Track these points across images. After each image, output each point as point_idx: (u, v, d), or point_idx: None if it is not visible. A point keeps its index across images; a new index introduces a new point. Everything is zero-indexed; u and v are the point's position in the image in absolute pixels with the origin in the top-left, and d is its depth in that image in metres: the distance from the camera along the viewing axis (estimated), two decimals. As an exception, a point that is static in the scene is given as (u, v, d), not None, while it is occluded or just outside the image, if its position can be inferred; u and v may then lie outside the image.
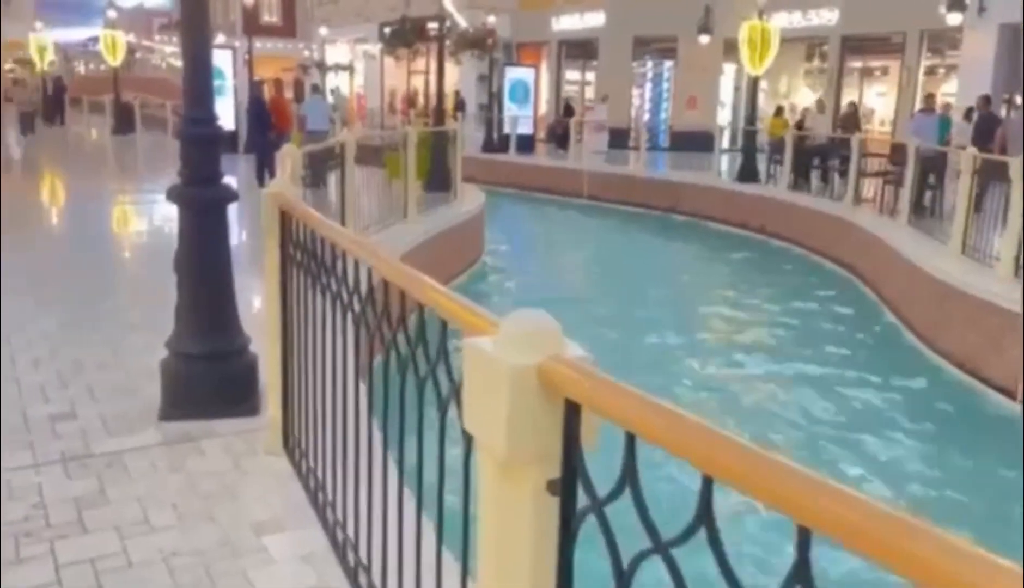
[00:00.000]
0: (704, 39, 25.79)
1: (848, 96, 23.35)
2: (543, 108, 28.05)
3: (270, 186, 3.28)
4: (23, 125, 23.01)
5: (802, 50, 26.68)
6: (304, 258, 2.97)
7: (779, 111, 18.51)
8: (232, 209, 3.85)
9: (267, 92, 15.46)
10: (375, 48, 37.47)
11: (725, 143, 26.13)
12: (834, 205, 13.88)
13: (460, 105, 26.22)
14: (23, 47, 40.08)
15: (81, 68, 51.95)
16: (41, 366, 4.37)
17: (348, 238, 2.55)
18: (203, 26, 3.70)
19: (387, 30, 35.65)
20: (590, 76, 30.32)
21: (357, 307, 2.35)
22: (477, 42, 24.29)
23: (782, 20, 25.96)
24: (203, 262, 3.72)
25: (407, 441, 1.94)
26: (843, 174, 14.33)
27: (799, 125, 16.21)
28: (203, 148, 3.69)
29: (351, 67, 36.59)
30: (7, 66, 41.46)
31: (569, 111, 24.84)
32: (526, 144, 23.59)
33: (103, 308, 5.59)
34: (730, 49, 26.94)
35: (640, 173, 19.15)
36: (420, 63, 36.41)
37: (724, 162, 21.42)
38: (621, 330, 9.53)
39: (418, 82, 36.64)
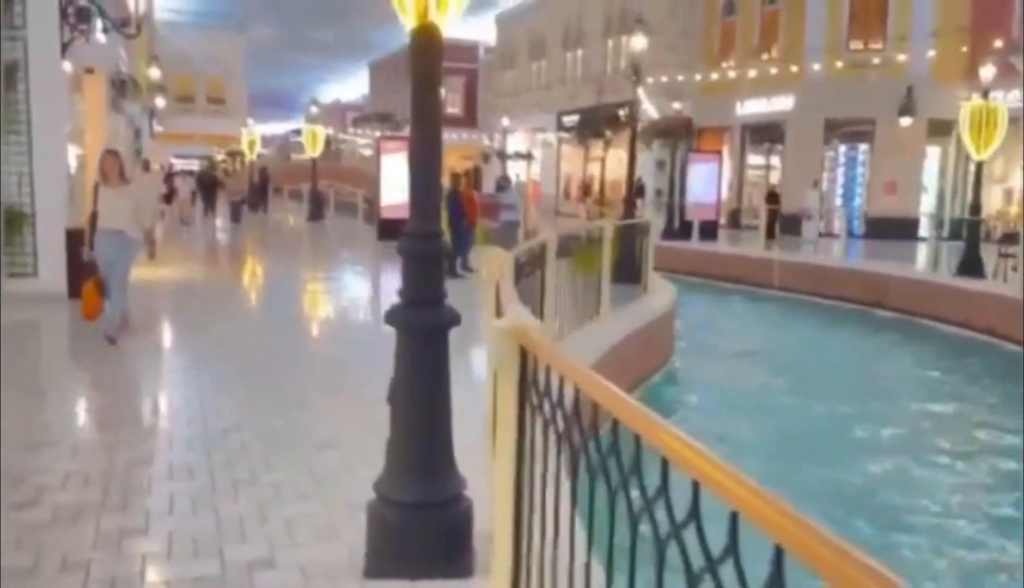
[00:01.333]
0: (906, 121, 24.10)
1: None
2: (724, 193, 27.11)
3: (507, 317, 2.75)
4: (232, 213, 24.48)
5: (1019, 130, 24.24)
6: (549, 408, 2.42)
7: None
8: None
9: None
10: (552, 136, 38.20)
11: (925, 231, 24.19)
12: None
13: (639, 191, 25.76)
14: (236, 141, 44.20)
15: (289, 158, 56.57)
16: (241, 492, 4.04)
17: (623, 404, 1.94)
18: (435, 137, 3.32)
19: (566, 119, 36.24)
20: (774, 160, 29.10)
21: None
22: (670, 131, 23.81)
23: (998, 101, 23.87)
24: (422, 395, 3.25)
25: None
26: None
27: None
28: (428, 266, 3.26)
29: (530, 155, 37.30)
30: (220, 157, 45.84)
31: (773, 198, 23.40)
32: (709, 231, 22.70)
33: (301, 417, 5.31)
34: (935, 130, 25.10)
35: (839, 263, 17.70)
36: (596, 150, 36.70)
37: (925, 252, 19.62)
38: (832, 454, 8.41)
39: (594, 169, 36.85)
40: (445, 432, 3.30)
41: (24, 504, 3.81)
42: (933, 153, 25.70)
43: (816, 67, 25.30)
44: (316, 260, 16.94)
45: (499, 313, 4.11)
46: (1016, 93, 23.15)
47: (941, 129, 25.13)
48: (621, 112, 23.37)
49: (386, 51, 65.46)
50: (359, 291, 12.58)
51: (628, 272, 12.73)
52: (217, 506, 3.85)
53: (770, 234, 20.42)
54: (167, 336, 8.33)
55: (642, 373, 9.98)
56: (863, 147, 25.87)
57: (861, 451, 8.68)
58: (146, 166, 19.67)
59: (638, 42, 12.61)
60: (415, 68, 3.30)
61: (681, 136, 23.83)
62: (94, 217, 7.32)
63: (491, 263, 5.14)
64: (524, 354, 2.64)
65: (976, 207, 15.33)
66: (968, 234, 15.38)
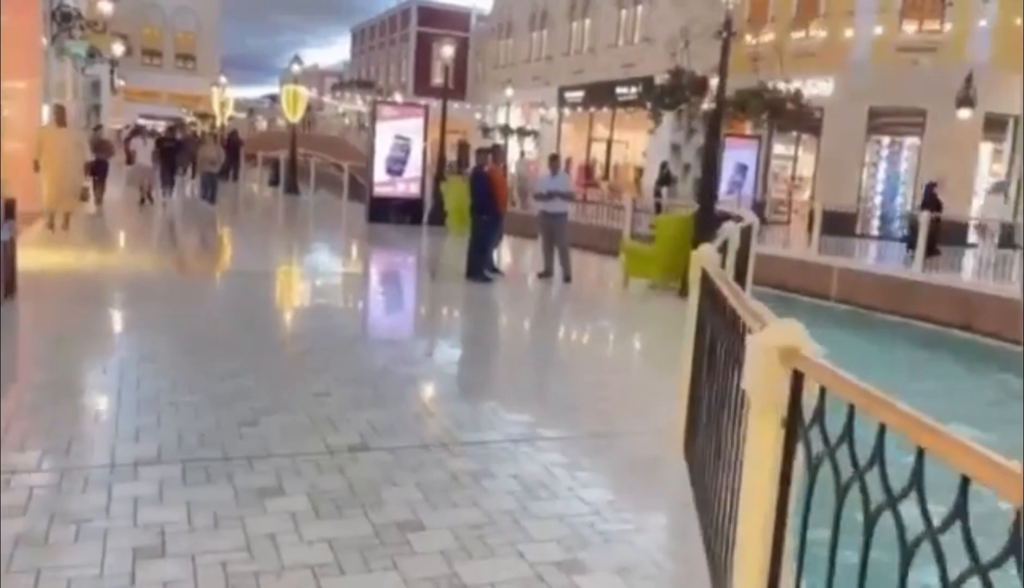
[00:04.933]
0: (964, 113, 21.52)
1: None
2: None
3: (772, 330, 2.15)
4: (204, 189, 18.90)
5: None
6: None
7: None
8: None
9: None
10: (551, 112, 35.23)
11: (974, 237, 21.75)
12: None
13: (666, 179, 22.98)
14: (206, 102, 40.59)
15: (263, 123, 52.87)
16: None
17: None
18: None
19: (569, 95, 33.25)
20: (802, 150, 26.49)
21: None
22: (774, 106, 20.56)
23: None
24: None
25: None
26: None
27: None
28: None
29: (536, 132, 34.23)
30: (189, 119, 42.17)
31: (933, 201, 17.36)
32: (742, 227, 20.04)
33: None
34: (991, 126, 22.64)
35: (915, 275, 15.07)
36: (601, 129, 33.83)
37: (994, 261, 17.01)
38: None
39: (598, 150, 34.00)
40: None
41: None
42: (984, 151, 23.23)
43: (863, 49, 22.67)
44: (305, 254, 13.88)
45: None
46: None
47: (995, 125, 22.70)
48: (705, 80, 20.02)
49: (370, 15, 61.91)
50: (382, 312, 9.41)
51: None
52: None
53: (931, 249, 15.52)
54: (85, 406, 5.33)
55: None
56: (908, 141, 23.30)
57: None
58: (60, 116, 12.32)
59: (730, -11, 9.78)
60: None
61: (780, 114, 20.74)
62: None
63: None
64: (796, 380, 2.02)
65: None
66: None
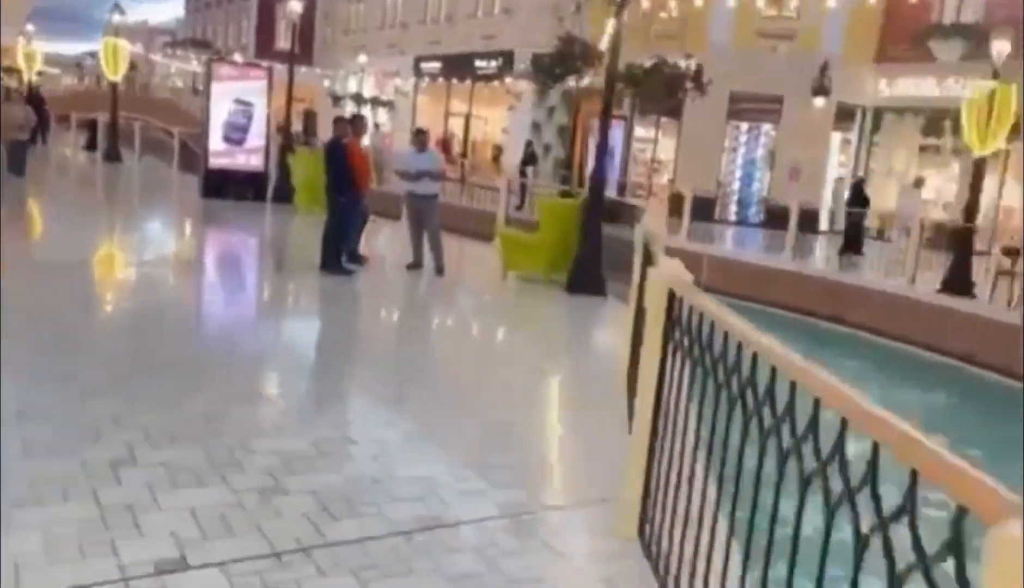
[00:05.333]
0: (819, 101, 21.86)
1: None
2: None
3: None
4: (12, 160, 15.80)
5: (918, 122, 22.85)
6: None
7: None
8: None
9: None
10: (408, 83, 33.42)
11: (825, 224, 22.32)
12: None
13: (530, 159, 21.96)
14: (10, 54, 35.68)
15: (84, 82, 47.54)
16: None
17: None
18: None
19: (425, 65, 31.55)
20: (662, 133, 26.29)
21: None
22: (674, 83, 19.38)
23: (910, 87, 22.31)
24: None
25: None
26: None
27: None
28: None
29: (391, 103, 32.29)
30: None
31: (861, 196, 17.33)
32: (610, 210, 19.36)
33: None
34: (841, 117, 23.14)
35: (786, 265, 14.84)
36: (459, 104, 32.40)
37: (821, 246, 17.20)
38: None
39: (455, 125, 32.58)
40: None
41: None
42: (835, 140, 23.80)
43: (724, 32, 22.55)
44: (124, 237, 11.76)
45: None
46: (927, 81, 21.76)
47: (845, 115, 23.29)
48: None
49: (207, -31, 56.97)
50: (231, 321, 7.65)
51: (589, 278, 9.05)
52: None
53: (852, 245, 15.89)
54: None
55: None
56: (765, 127, 23.48)
57: None
58: None
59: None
60: None
61: (677, 93, 19.71)
62: None
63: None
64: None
65: (970, 212, 12.72)
66: (957, 244, 12.81)
